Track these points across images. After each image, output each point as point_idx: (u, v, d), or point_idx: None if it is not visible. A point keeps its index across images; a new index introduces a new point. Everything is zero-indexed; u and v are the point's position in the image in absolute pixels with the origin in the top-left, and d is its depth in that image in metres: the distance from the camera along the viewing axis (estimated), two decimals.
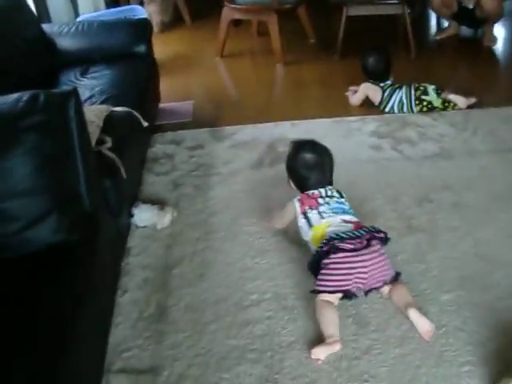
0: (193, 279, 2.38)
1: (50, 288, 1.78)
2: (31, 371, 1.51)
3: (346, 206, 2.35)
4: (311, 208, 2.31)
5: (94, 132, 2.45)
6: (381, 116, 3.51)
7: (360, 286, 2.14)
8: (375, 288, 2.18)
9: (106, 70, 3.20)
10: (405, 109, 3.53)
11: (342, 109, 3.65)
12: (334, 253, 2.12)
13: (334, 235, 2.16)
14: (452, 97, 3.53)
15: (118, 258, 2.42)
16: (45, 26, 3.46)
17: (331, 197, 2.35)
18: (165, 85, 3.95)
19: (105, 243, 2.14)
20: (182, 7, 5.31)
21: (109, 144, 2.45)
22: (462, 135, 3.27)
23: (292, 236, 2.53)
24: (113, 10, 4.54)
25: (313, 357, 2.00)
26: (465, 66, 4.34)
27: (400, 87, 3.57)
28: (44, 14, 4.42)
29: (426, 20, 5.35)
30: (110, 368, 2.02)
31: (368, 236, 2.16)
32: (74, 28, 3.41)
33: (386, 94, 3.57)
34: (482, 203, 2.69)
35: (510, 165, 2.96)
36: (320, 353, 2.00)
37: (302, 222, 2.34)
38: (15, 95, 1.92)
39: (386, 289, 2.19)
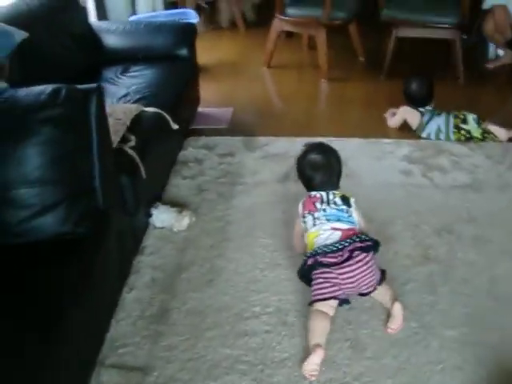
0: (200, 285, 2.40)
1: (48, 276, 1.83)
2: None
3: (344, 214, 2.32)
4: (309, 212, 2.33)
5: (119, 130, 2.50)
6: (416, 141, 3.46)
7: (350, 292, 2.21)
8: (366, 293, 2.23)
9: (146, 70, 3.25)
10: (442, 136, 3.46)
11: (379, 130, 3.62)
12: (317, 268, 2.18)
13: (317, 248, 2.21)
14: (493, 128, 3.45)
15: (128, 255, 2.46)
16: (94, 24, 3.56)
17: (332, 202, 2.35)
18: (207, 89, 4.01)
19: (113, 239, 2.18)
20: (237, 13, 5.36)
21: (132, 143, 2.49)
22: (496, 168, 3.19)
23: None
24: (166, 12, 4.62)
25: (305, 374, 2.00)
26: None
27: (439, 114, 3.51)
28: (101, 12, 4.55)
29: (481, 48, 5.24)
30: (103, 361, 2.06)
31: (351, 247, 2.17)
32: (121, 27, 3.49)
33: (424, 119, 3.51)
34: (504, 240, 2.62)
35: None
36: (308, 366, 1.99)
37: (302, 225, 2.37)
38: (40, 87, 1.98)
39: (382, 296, 2.25)
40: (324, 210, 2.31)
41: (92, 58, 3.30)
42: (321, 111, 4.02)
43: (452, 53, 4.42)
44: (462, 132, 3.45)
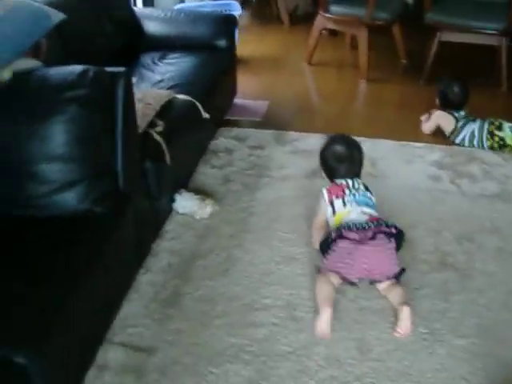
0: (214, 273, 2.43)
1: (63, 248, 1.90)
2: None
3: (370, 200, 2.46)
4: (337, 197, 2.44)
5: (148, 114, 2.54)
6: (448, 147, 3.41)
7: (362, 276, 2.28)
8: (377, 280, 2.29)
9: (184, 58, 3.29)
10: (475, 142, 3.41)
11: (413, 134, 3.57)
12: (339, 240, 2.27)
13: (344, 224, 2.30)
14: None
15: (147, 237, 2.50)
16: (137, 10, 3.61)
17: (358, 189, 2.47)
18: (246, 82, 4.04)
19: (131, 221, 2.22)
20: (282, 8, 5.36)
21: (160, 128, 2.53)
22: None
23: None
24: (212, 2, 4.65)
25: (318, 335, 2.13)
26: None
27: (474, 120, 3.45)
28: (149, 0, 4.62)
29: None
30: (112, 338, 2.11)
31: (376, 229, 2.27)
32: (163, 14, 3.54)
33: (459, 124, 3.46)
34: None
35: None
36: (321, 328, 2.12)
37: (328, 210, 2.45)
38: (70, 68, 2.05)
39: (384, 285, 2.29)
40: (354, 195, 2.43)
41: (131, 43, 3.35)
42: (356, 111, 3.99)
43: (496, 60, 4.34)
44: (496, 139, 3.38)
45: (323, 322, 2.12)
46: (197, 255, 2.52)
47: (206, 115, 2.93)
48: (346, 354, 2.07)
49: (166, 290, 2.34)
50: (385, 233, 2.28)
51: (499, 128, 3.39)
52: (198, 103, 2.87)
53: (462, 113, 3.52)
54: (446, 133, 3.52)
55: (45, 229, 1.95)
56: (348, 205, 2.41)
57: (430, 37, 4.20)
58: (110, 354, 2.04)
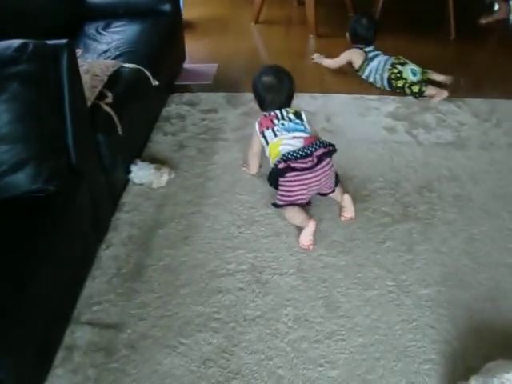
0: (176, 241, 2.40)
1: (18, 230, 1.83)
2: None
3: (300, 126, 2.57)
4: (267, 128, 2.57)
5: (96, 86, 2.46)
6: (402, 98, 3.41)
7: (312, 193, 2.48)
8: (323, 194, 2.53)
9: (128, 25, 3.18)
10: (378, 74, 3.54)
11: (365, 87, 3.56)
12: (289, 172, 2.39)
13: (287, 154, 2.42)
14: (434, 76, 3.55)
15: (105, 212, 2.45)
16: None
17: (287, 118, 2.58)
18: (194, 45, 3.96)
19: (87, 196, 2.16)
20: None
21: (109, 99, 2.45)
22: (482, 126, 3.15)
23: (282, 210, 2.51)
24: None
25: (302, 246, 2.33)
26: (503, 54, 4.14)
27: (382, 54, 3.59)
28: None
29: (477, 2, 5.15)
30: (78, 318, 2.08)
31: (318, 153, 2.41)
32: None
33: (368, 57, 3.60)
34: (484, 199, 2.61)
35: None
36: (305, 240, 2.33)
37: (262, 141, 2.59)
38: (6, 42, 1.94)
39: (336, 194, 2.53)
40: (282, 124, 2.56)
41: (73, 13, 3.22)
42: (307, 67, 3.93)
43: (442, 7, 4.34)
44: (395, 71, 3.46)
45: (308, 236, 2.32)
46: (157, 225, 2.48)
47: (155, 82, 2.86)
48: (314, 313, 2.07)
49: (128, 263, 2.30)
50: (325, 153, 2.43)
51: (402, 64, 3.49)
52: (146, 71, 2.80)
53: (371, 47, 3.64)
54: (356, 67, 3.63)
55: None
56: (278, 134, 2.53)
57: None
58: (77, 334, 2.01)
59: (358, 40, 3.68)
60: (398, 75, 3.45)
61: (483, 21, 4.58)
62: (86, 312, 2.10)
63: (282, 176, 2.42)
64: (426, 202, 2.59)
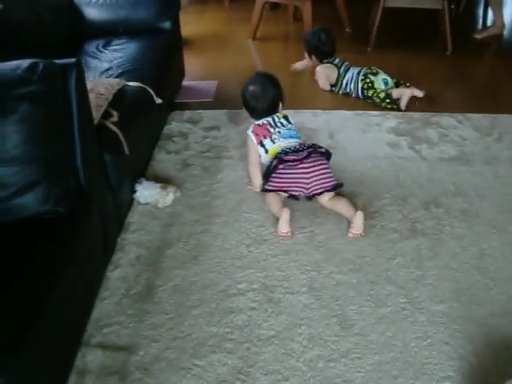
0: (185, 261, 2.37)
1: (27, 255, 1.79)
2: None
3: (293, 132, 2.74)
4: (265, 137, 2.70)
5: (101, 105, 2.44)
6: (403, 113, 3.42)
7: (303, 190, 2.56)
8: (316, 194, 2.57)
9: (129, 43, 3.17)
10: (352, 84, 3.63)
11: (364, 103, 3.57)
12: (280, 165, 2.55)
13: (281, 150, 2.60)
14: (397, 92, 3.55)
15: (112, 232, 2.42)
16: None
17: (280, 124, 2.73)
18: (192, 63, 3.97)
19: (96, 217, 2.13)
20: None
21: (115, 118, 2.43)
22: (484, 140, 3.17)
23: (290, 228, 2.50)
24: None
25: (280, 234, 2.47)
26: (503, 67, 4.18)
27: (353, 66, 3.71)
28: None
29: (471, 17, 5.20)
30: (88, 341, 2.03)
31: (309, 149, 2.57)
32: None
33: (341, 70, 3.69)
34: (492, 214, 2.60)
35: None
36: (283, 227, 2.47)
37: (260, 150, 2.71)
38: (16, 62, 1.90)
39: (325, 198, 2.58)
40: (279, 132, 2.70)
41: (73, 32, 3.21)
42: (306, 83, 3.95)
43: (438, 22, 4.37)
44: (367, 80, 3.57)
45: (285, 222, 2.45)
46: (165, 245, 2.46)
47: (158, 100, 2.85)
48: (328, 332, 2.05)
49: (137, 284, 2.27)
50: (316, 152, 2.57)
51: (374, 74, 3.61)
52: (149, 89, 2.79)
53: (337, 60, 3.75)
54: (333, 81, 3.71)
55: (8, 235, 1.84)
56: (276, 141, 2.67)
57: (375, 4, 4.19)
58: (88, 358, 1.97)
59: (323, 55, 3.78)
60: (370, 85, 3.58)
61: (478, 36, 4.62)
62: (96, 335, 2.06)
63: (275, 169, 2.57)
64: (434, 217, 2.59)
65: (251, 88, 2.82)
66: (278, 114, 2.77)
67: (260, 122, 2.75)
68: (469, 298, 2.18)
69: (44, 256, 1.80)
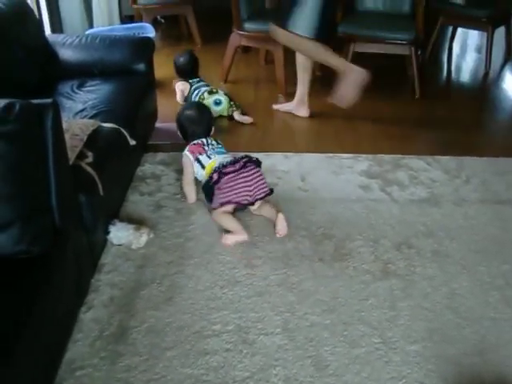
0: (159, 302, 2.35)
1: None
2: None
3: (224, 150, 3.00)
4: (200, 154, 2.93)
5: (76, 145, 2.45)
6: (374, 156, 3.48)
7: (248, 198, 2.77)
8: (259, 199, 2.80)
9: (103, 84, 3.19)
10: (196, 98, 4.03)
11: (336, 146, 3.63)
12: (222, 177, 2.75)
13: (218, 165, 2.81)
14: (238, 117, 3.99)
15: (86, 273, 2.40)
16: (49, 36, 3.50)
17: (212, 144, 2.99)
18: (165, 104, 3.98)
19: (70, 258, 2.12)
20: (194, 29, 5.35)
21: (89, 159, 2.44)
22: (453, 182, 3.24)
23: (263, 270, 2.52)
24: (124, 26, 4.59)
25: (223, 241, 2.68)
26: (469, 111, 4.30)
27: (206, 85, 4.11)
28: (57, 24, 4.49)
29: (437, 63, 5.35)
30: None
31: (244, 160, 2.80)
32: (77, 40, 3.43)
33: (193, 88, 4.09)
34: (462, 254, 2.65)
35: (495, 217, 2.92)
36: (228, 240, 2.68)
37: (196, 166, 2.92)
38: None
39: (256, 206, 2.83)
40: (213, 149, 2.95)
41: (47, 72, 3.22)
42: (278, 126, 4.01)
43: (407, 67, 4.49)
44: (202, 97, 4.00)
45: (232, 240, 2.68)
46: (138, 286, 2.44)
47: (132, 142, 2.86)
48: (303, 373, 2.05)
49: (111, 325, 2.24)
50: (251, 161, 2.81)
51: (210, 93, 4.02)
52: (123, 130, 2.80)
53: (196, 79, 4.16)
54: (185, 94, 4.12)
55: None
56: (212, 157, 2.89)
57: (344, 49, 4.29)
58: None
59: (183, 74, 4.22)
60: (202, 99, 3.97)
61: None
62: (68, 378, 2.02)
63: (217, 183, 2.76)
64: (406, 258, 2.62)
65: (187, 112, 3.16)
66: (208, 137, 3.04)
67: (195, 141, 3.00)
68: (442, 338, 2.21)
69: (16, 297, 1.78)
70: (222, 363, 2.08)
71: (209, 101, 3.93)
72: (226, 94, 4.04)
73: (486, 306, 2.36)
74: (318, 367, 2.07)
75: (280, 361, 2.09)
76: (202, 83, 4.13)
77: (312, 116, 4.06)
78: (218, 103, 3.96)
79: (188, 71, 4.21)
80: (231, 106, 4.00)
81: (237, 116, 3.98)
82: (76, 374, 2.04)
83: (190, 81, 4.14)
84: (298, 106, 4.04)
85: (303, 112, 4.02)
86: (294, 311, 2.32)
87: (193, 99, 4.04)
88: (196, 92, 4.06)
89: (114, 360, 2.09)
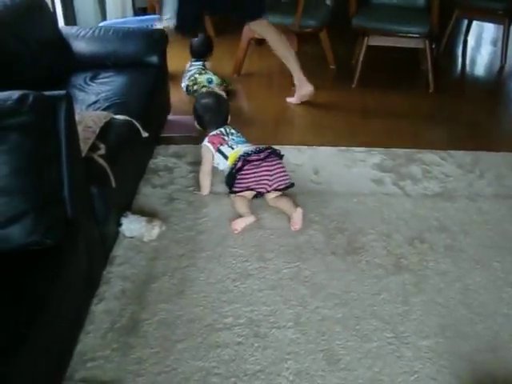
0: (171, 295, 2.35)
1: (12, 287, 1.78)
2: None
3: (243, 139, 3.04)
4: (222, 144, 2.96)
5: (88, 138, 2.45)
6: (387, 149, 3.46)
7: (266, 187, 2.84)
8: (278, 190, 2.87)
9: (116, 76, 3.20)
10: (185, 81, 4.17)
11: (349, 139, 3.61)
12: (245, 165, 2.82)
13: (243, 153, 2.87)
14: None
15: (98, 265, 2.41)
16: (63, 29, 3.49)
17: (232, 133, 3.03)
18: (177, 97, 3.97)
19: (82, 250, 2.12)
20: (207, 21, 5.33)
21: (102, 151, 2.44)
22: (467, 177, 3.21)
23: (275, 263, 2.51)
24: (137, 18, 4.57)
25: (232, 227, 2.71)
26: (483, 105, 4.26)
27: (196, 69, 4.20)
28: (70, 16, 4.48)
29: (451, 57, 5.31)
30: (72, 375, 2.00)
31: (268, 151, 2.88)
32: (90, 32, 3.42)
33: (189, 68, 4.22)
34: (475, 249, 2.63)
35: (509, 212, 2.90)
36: (237, 224, 2.71)
37: (218, 157, 2.96)
38: (6, 93, 1.92)
39: (271, 196, 2.87)
40: (233, 139, 2.99)
41: (60, 64, 3.22)
42: (291, 119, 4.00)
43: (421, 60, 4.45)
44: (192, 78, 4.13)
45: (241, 224, 2.71)
46: (150, 279, 2.44)
47: (145, 134, 2.86)
48: (315, 367, 2.04)
49: (122, 317, 2.24)
50: (275, 153, 2.90)
51: (200, 73, 4.14)
52: (136, 122, 2.80)
53: (200, 62, 4.24)
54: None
55: None
56: (234, 147, 2.94)
57: (358, 42, 4.27)
58: None
59: (195, 55, 4.29)
60: (194, 81, 4.10)
61: None
62: (79, 369, 2.03)
63: (241, 170, 2.82)
64: (418, 253, 2.61)
65: (204, 101, 3.18)
66: (226, 126, 3.07)
67: (214, 132, 3.02)
68: (455, 334, 2.19)
69: (28, 288, 1.79)
70: (234, 356, 2.08)
71: (202, 79, 4.09)
72: (215, 74, 4.20)
73: (499, 302, 2.34)
74: (329, 361, 2.07)
75: (292, 354, 2.09)
76: (194, 67, 4.22)
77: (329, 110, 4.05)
78: (210, 82, 4.09)
79: (201, 53, 4.30)
80: (223, 82, 4.16)
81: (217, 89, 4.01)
82: (87, 365, 2.04)
83: (193, 62, 4.27)
84: (300, 88, 4.05)
85: (307, 88, 4.03)
86: (306, 305, 2.31)
87: (183, 82, 4.19)
88: (188, 75, 4.18)
89: (125, 352, 2.10)
